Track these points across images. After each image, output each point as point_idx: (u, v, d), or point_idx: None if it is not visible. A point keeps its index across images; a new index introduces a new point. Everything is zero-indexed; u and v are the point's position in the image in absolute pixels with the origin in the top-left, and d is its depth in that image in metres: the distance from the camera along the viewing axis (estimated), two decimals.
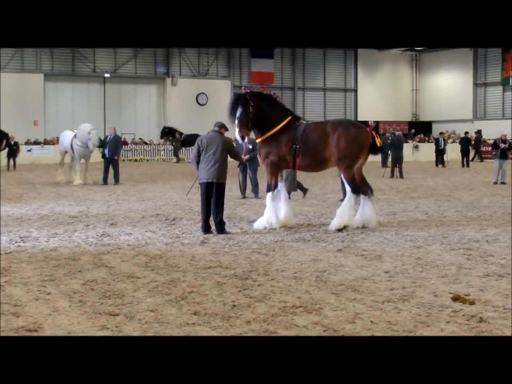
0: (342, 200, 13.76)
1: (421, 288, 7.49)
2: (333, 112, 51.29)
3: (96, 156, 25.47)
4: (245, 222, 12.98)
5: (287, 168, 12.86)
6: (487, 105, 51.40)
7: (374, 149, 12.37)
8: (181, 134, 42.38)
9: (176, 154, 41.66)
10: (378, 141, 12.45)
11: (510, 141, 24.84)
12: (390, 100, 54.53)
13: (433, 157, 36.01)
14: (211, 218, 11.70)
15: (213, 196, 11.54)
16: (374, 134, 12.46)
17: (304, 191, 17.13)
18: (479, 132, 45.31)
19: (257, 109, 12.12)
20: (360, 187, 12.19)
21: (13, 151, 32.77)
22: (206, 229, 11.59)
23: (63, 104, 45.54)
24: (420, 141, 45.16)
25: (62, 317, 6.39)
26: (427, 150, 40.13)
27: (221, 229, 11.55)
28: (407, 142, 40.10)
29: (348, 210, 11.88)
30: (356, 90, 54.43)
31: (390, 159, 28.74)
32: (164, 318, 6.32)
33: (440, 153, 35.21)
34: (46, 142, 41.57)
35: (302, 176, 18.68)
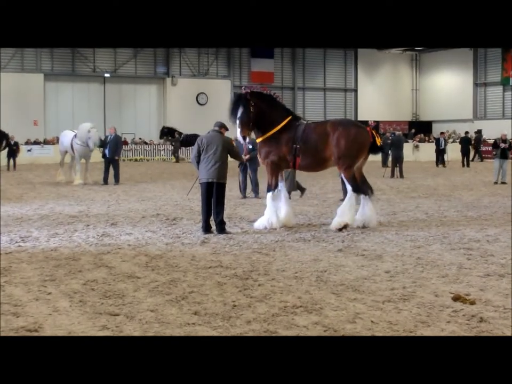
0: (342, 200, 13.77)
1: (422, 288, 7.49)
2: (333, 112, 51.28)
3: (97, 156, 25.47)
4: (245, 222, 12.98)
5: (288, 168, 12.86)
6: (487, 105, 51.40)
7: (374, 149, 12.37)
8: (180, 134, 42.38)
9: (175, 154, 41.63)
10: (378, 141, 12.45)
11: (510, 140, 24.83)
12: (390, 100, 54.53)
13: (433, 156, 36.01)
14: (211, 218, 11.70)
15: (213, 196, 11.54)
16: (374, 133, 12.46)
17: (302, 190, 17.12)
18: (479, 132, 45.30)
19: (258, 109, 12.12)
20: (361, 187, 12.19)
21: (13, 151, 32.77)
22: (207, 228, 11.59)
23: (63, 104, 45.54)
24: (420, 141, 45.15)
25: (63, 317, 6.39)
26: (427, 150, 40.14)
27: (221, 228, 11.55)
28: (407, 142, 40.09)
29: (349, 210, 11.89)
30: (356, 90, 54.43)
31: (390, 159, 28.75)
32: (164, 318, 6.32)
33: (440, 153, 35.21)
34: (46, 142, 41.56)
35: (302, 176, 18.69)
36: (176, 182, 24.19)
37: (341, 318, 6.26)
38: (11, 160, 32.58)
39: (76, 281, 7.92)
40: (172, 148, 42.30)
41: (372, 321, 6.15)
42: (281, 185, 12.46)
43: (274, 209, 12.16)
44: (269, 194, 12.22)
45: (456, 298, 6.92)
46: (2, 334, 5.79)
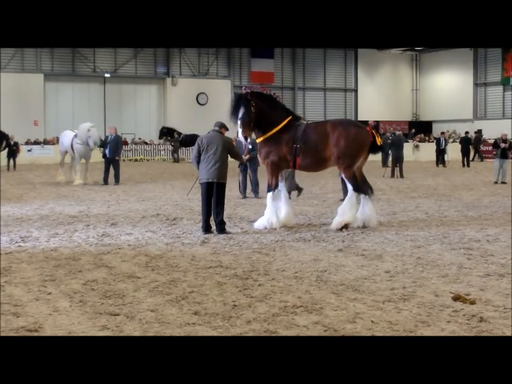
0: (342, 200, 13.77)
1: (422, 288, 7.49)
2: (333, 112, 51.29)
3: (97, 156, 25.46)
4: (245, 222, 12.98)
5: (288, 168, 12.86)
6: (487, 105, 51.41)
7: (374, 148, 12.38)
8: (179, 134, 42.36)
9: (174, 155, 41.57)
10: (378, 140, 12.46)
11: (511, 140, 24.83)
12: (390, 100, 54.54)
13: (433, 156, 36.01)
14: (211, 218, 11.70)
15: (213, 196, 11.54)
16: (374, 133, 12.46)
17: (299, 190, 17.11)
18: (478, 132, 45.32)
19: (259, 109, 12.13)
20: (361, 186, 12.19)
21: (13, 151, 32.77)
22: (207, 228, 11.60)
23: (63, 104, 45.56)
24: (420, 141, 45.16)
25: (63, 317, 6.39)
26: (427, 150, 40.16)
27: (221, 228, 11.55)
28: (408, 142, 40.09)
29: (349, 209, 11.89)
30: (356, 90, 54.44)
31: (390, 158, 28.74)
32: (165, 318, 6.32)
33: (441, 153, 35.21)
34: (46, 142, 41.57)
35: (302, 176, 18.69)
36: (176, 182, 24.20)
37: (341, 318, 6.26)
38: (11, 160, 32.59)
39: (76, 281, 7.92)
40: (172, 148, 42.30)
41: (372, 321, 6.15)
42: (281, 185, 12.47)
43: (274, 209, 12.16)
44: (269, 194, 12.22)
45: (456, 298, 6.93)
46: (2, 334, 5.79)
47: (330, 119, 16.60)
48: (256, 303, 6.84)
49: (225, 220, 11.93)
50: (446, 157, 35.11)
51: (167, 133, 43.19)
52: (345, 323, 6.11)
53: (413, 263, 8.91)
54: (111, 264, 8.99)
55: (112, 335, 5.80)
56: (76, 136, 23.31)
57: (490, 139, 39.58)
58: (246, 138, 12.53)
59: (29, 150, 39.64)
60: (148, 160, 42.50)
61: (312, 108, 52.54)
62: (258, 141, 12.53)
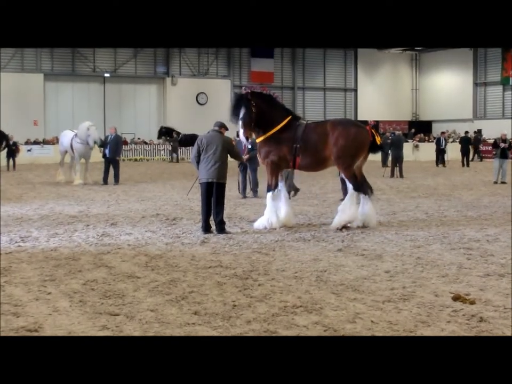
0: (342, 200, 13.77)
1: (421, 288, 7.49)
2: (333, 112, 51.28)
3: (97, 156, 25.46)
4: (245, 222, 12.98)
5: (287, 167, 12.86)
6: (487, 105, 51.42)
7: (374, 148, 12.38)
8: (178, 133, 42.33)
9: (172, 155, 41.50)
10: (378, 139, 12.47)
11: (510, 140, 24.83)
12: (390, 100, 54.55)
13: (433, 156, 36.01)
14: (211, 218, 11.70)
15: (213, 196, 11.54)
16: (374, 132, 12.47)
17: (296, 190, 17.10)
18: (477, 132, 45.36)
19: (259, 109, 12.13)
20: (361, 186, 12.20)
21: (12, 151, 32.77)
22: (206, 228, 11.60)
23: (63, 104, 45.56)
24: (420, 141, 45.16)
25: (63, 317, 6.39)
26: (427, 150, 40.16)
27: (221, 228, 11.55)
28: (407, 142, 40.10)
29: (350, 207, 11.90)
30: (356, 90, 54.45)
31: (390, 158, 28.75)
32: (164, 318, 6.32)
33: (440, 152, 35.20)
34: (46, 142, 41.56)
35: (303, 176, 18.70)
36: (176, 182, 24.19)
37: (341, 318, 6.26)
38: (11, 160, 32.58)
39: (76, 281, 7.92)
40: (171, 147, 42.27)
41: (371, 321, 6.15)
42: (281, 185, 12.47)
43: (274, 209, 12.16)
44: (269, 194, 12.22)
45: (456, 298, 6.93)
46: (2, 334, 5.79)
47: (330, 118, 16.60)
48: (256, 303, 6.84)
49: (225, 219, 11.93)
50: (445, 157, 35.11)
51: (166, 132, 43.16)
52: (345, 323, 6.11)
53: (413, 263, 8.91)
54: (111, 264, 8.99)
55: (112, 335, 5.80)
56: (75, 135, 23.30)
57: (490, 139, 39.58)
58: (247, 139, 12.53)
59: (29, 150, 39.65)
60: (147, 160, 42.50)
61: (312, 108, 52.54)
62: (258, 140, 12.53)
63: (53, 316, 6.41)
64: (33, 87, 44.07)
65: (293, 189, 16.85)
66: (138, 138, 45.88)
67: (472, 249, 9.93)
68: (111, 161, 22.91)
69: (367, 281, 7.85)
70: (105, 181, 22.63)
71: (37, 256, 9.53)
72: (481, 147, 41.71)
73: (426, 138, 47.71)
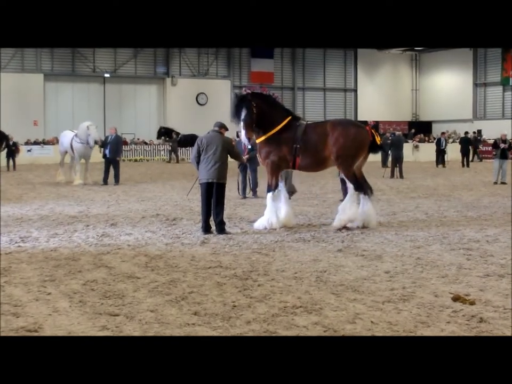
0: (342, 200, 13.77)
1: (421, 288, 7.49)
2: (333, 112, 51.32)
3: (97, 156, 25.47)
4: (245, 222, 12.98)
5: (287, 168, 12.86)
6: (487, 105, 51.44)
7: (374, 147, 12.39)
8: (177, 134, 42.33)
9: (171, 155, 41.46)
10: (378, 139, 12.47)
11: (510, 140, 24.83)
12: (390, 100, 54.57)
13: (433, 156, 36.00)
14: (211, 218, 11.70)
15: (213, 196, 11.54)
16: (374, 132, 12.48)
17: (291, 192, 17.05)
18: (476, 132, 45.40)
19: (260, 110, 12.13)
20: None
21: (12, 152, 32.77)
22: (206, 229, 11.59)
23: (63, 104, 45.57)
24: (420, 141, 45.17)
25: (62, 317, 6.39)
26: (427, 150, 40.16)
27: (221, 229, 11.55)
28: (407, 142, 40.11)
29: (350, 207, 11.91)
30: (356, 90, 54.47)
31: (390, 159, 28.75)
32: (164, 318, 6.32)
33: (441, 153, 35.20)
34: (46, 142, 41.55)
35: (302, 176, 18.70)
36: (176, 182, 24.19)
37: (340, 318, 6.26)
38: (11, 161, 32.58)
39: (76, 282, 7.92)
40: (170, 147, 42.24)
41: (371, 322, 6.15)
42: (281, 186, 12.47)
43: (274, 209, 12.16)
44: (269, 195, 12.22)
45: (456, 298, 6.92)
46: (2, 334, 5.79)
47: (330, 119, 16.61)
48: (255, 304, 6.84)
49: (225, 220, 11.93)
50: (445, 157, 35.11)
51: (165, 133, 43.18)
52: (345, 323, 6.11)
53: (413, 264, 8.90)
54: (111, 264, 8.99)
55: (112, 335, 5.80)
56: (75, 136, 23.31)
57: (490, 139, 39.58)
58: (249, 140, 12.51)
59: (29, 150, 39.66)
60: (147, 160, 42.50)
61: (312, 108, 52.56)
62: (258, 141, 12.51)
63: (52, 316, 6.41)
64: (33, 87, 44.09)
65: (290, 190, 16.83)
66: (138, 139, 45.86)
67: (472, 250, 9.93)
68: (111, 162, 22.91)
69: (367, 282, 7.85)
70: (105, 181, 22.64)
71: (36, 257, 9.53)
72: (481, 147, 41.74)
73: (426, 138, 47.73)
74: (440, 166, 34.51)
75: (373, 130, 12.52)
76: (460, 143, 37.32)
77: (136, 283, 7.84)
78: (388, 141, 29.23)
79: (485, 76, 51.29)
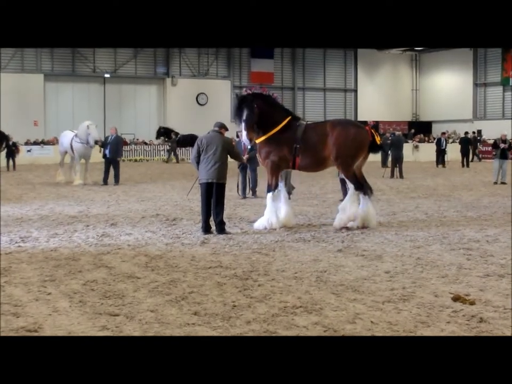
0: (342, 200, 13.77)
1: (421, 288, 7.49)
2: (333, 112, 51.31)
3: (97, 156, 25.47)
4: (245, 222, 12.98)
5: (287, 168, 12.86)
6: (487, 105, 51.43)
7: (374, 147, 12.40)
8: (176, 134, 42.31)
9: (170, 154, 41.41)
10: (378, 139, 12.48)
11: (510, 141, 24.83)
12: (390, 100, 54.56)
13: (433, 157, 36.00)
14: (211, 218, 11.70)
15: (213, 196, 11.54)
16: (374, 132, 12.48)
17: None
18: (475, 132, 45.40)
19: (261, 110, 12.13)
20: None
21: (12, 152, 32.77)
22: (206, 229, 11.59)
23: (63, 104, 45.56)
24: (420, 141, 45.17)
25: (62, 317, 6.39)
26: (427, 150, 40.16)
27: (221, 229, 11.55)
28: (407, 142, 40.10)
29: (350, 207, 11.92)
30: (356, 90, 54.46)
31: (390, 159, 28.74)
32: (164, 318, 6.32)
33: (441, 153, 35.19)
34: (46, 142, 41.54)
35: (302, 176, 18.69)
36: (176, 182, 24.19)
37: (340, 318, 6.26)
38: (10, 161, 32.58)
39: (76, 282, 7.92)
40: (168, 147, 42.21)
41: (371, 322, 6.15)
42: (281, 186, 12.48)
43: (274, 209, 12.16)
44: (269, 195, 12.23)
45: (456, 298, 6.93)
46: (2, 334, 5.79)
47: (330, 119, 16.61)
48: (255, 304, 6.84)
49: (225, 220, 11.93)
50: (445, 157, 35.11)
51: (164, 133, 43.16)
52: (345, 323, 6.11)
53: (413, 264, 8.91)
54: (111, 264, 8.99)
55: (112, 335, 5.80)
56: (75, 136, 23.31)
57: (490, 139, 39.58)
58: (251, 140, 12.49)
59: (29, 150, 39.65)
60: (147, 160, 42.49)
61: (312, 108, 52.55)
62: (258, 141, 12.50)
63: (52, 316, 6.41)
64: (33, 87, 44.09)
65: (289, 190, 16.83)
66: (138, 139, 45.84)
67: (472, 250, 9.93)
68: (111, 162, 22.91)
69: (367, 282, 7.85)
70: (105, 181, 22.64)
71: (36, 257, 9.53)
72: (481, 147, 41.73)
73: (426, 138, 47.71)
74: (440, 166, 34.51)
75: (372, 130, 12.53)
76: (460, 143, 37.32)
77: (136, 283, 7.84)
78: (388, 141, 29.23)
79: (485, 76, 51.28)
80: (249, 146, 15.96)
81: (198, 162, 11.64)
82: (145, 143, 44.92)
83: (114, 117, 44.92)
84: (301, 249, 10.13)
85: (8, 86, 42.36)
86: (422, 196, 18.68)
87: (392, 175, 26.15)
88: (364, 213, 12.12)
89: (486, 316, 6.30)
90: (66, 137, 24.08)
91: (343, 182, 14.79)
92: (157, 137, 43.93)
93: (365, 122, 22.92)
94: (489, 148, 34.76)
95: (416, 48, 51.64)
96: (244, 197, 17.82)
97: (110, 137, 23.16)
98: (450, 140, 43.43)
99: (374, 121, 41.50)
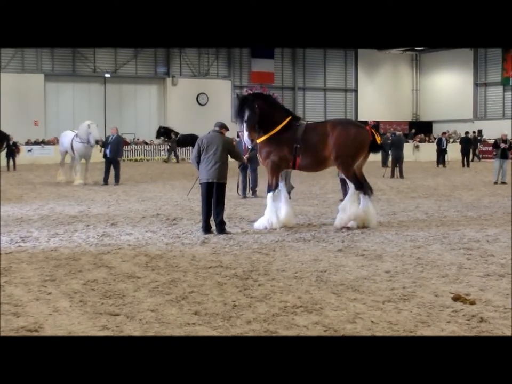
0: (342, 200, 13.77)
1: (422, 288, 7.49)
2: (333, 112, 51.30)
3: (97, 156, 25.46)
4: (245, 222, 12.98)
5: (288, 168, 12.87)
6: (488, 105, 51.42)
7: (374, 147, 12.40)
8: (176, 134, 42.30)
9: (170, 155, 41.41)
10: (378, 139, 12.49)
11: (511, 140, 24.83)
12: (390, 100, 54.56)
13: (433, 156, 36.00)
14: (211, 218, 11.70)
15: (213, 196, 11.54)
16: (374, 132, 12.49)
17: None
18: (475, 132, 45.39)
19: (261, 110, 12.13)
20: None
21: (13, 152, 32.78)
22: (207, 229, 11.60)
23: (64, 104, 45.57)
24: (420, 141, 45.15)
25: (63, 317, 6.39)
26: (427, 150, 40.18)
27: (221, 229, 11.56)
28: (408, 142, 40.10)
29: (351, 206, 11.92)
30: (356, 90, 54.45)
31: (390, 159, 28.75)
32: (165, 318, 6.32)
33: (442, 153, 35.19)
34: (46, 142, 41.53)
35: (302, 176, 18.69)
36: (176, 182, 24.20)
37: (341, 318, 6.27)
38: (11, 161, 32.59)
39: (76, 281, 7.92)
40: (168, 147, 42.19)
41: (372, 321, 6.15)
42: (282, 185, 12.48)
43: (275, 209, 12.17)
44: (269, 195, 12.23)
45: (456, 298, 6.93)
46: (2, 334, 5.79)
47: (330, 119, 16.61)
48: (256, 303, 6.84)
49: (225, 220, 11.94)
50: (446, 157, 35.11)
51: (164, 133, 43.13)
52: (345, 323, 6.11)
53: (413, 263, 8.91)
54: (111, 264, 8.99)
55: (112, 335, 5.80)
56: (76, 136, 23.31)
57: (490, 139, 39.57)
58: (252, 141, 12.49)
59: (29, 150, 39.65)
60: (148, 160, 42.49)
61: (312, 108, 52.55)
62: (258, 141, 12.51)
63: (53, 316, 6.42)
64: (34, 87, 44.09)
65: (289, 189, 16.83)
66: (138, 139, 45.83)
67: (472, 250, 9.93)
68: (112, 162, 22.91)
69: (367, 282, 7.85)
70: (105, 181, 22.64)
71: (37, 256, 9.53)
72: (481, 147, 41.72)
73: (427, 138, 47.70)
74: (440, 166, 34.51)
75: (373, 130, 12.53)
76: (460, 143, 37.32)
77: (136, 283, 7.84)
78: (388, 141, 29.23)
79: (485, 76, 51.27)
80: (250, 147, 15.97)
81: (198, 162, 11.65)
82: (146, 143, 44.91)
83: (115, 117, 44.92)
84: (301, 249, 10.13)
85: (8, 86, 42.38)
86: (422, 195, 18.68)
87: (392, 175, 26.15)
88: (364, 212, 12.13)
89: (486, 315, 6.31)
90: (66, 137, 24.09)
91: (343, 182, 14.79)
92: (157, 137, 43.92)
93: (365, 122, 22.95)
94: (490, 148, 34.78)
95: (416, 48, 51.63)
96: (244, 196, 17.82)
97: (110, 137, 23.16)
98: (451, 140, 43.42)
99: (374, 121, 41.49)
